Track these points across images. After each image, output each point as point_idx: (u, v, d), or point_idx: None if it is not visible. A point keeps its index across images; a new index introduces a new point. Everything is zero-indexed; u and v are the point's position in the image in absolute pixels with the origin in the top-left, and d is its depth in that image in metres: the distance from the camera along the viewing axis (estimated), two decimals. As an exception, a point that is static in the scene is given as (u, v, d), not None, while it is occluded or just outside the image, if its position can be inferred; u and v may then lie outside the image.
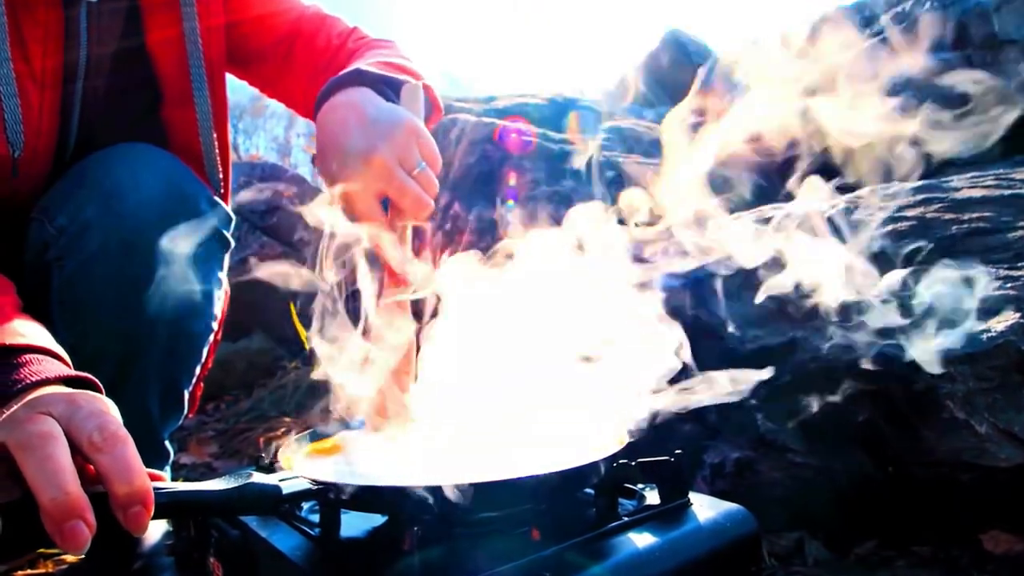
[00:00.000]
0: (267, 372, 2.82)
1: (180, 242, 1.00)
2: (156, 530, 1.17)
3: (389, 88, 0.97)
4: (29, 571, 1.26)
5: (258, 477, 0.64)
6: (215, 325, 1.15)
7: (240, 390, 2.73)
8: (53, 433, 0.54)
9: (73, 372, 0.70)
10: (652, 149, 2.51)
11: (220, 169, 1.19)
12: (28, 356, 0.70)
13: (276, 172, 3.65)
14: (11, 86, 0.95)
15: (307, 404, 2.37)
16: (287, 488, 0.65)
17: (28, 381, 0.66)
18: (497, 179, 2.12)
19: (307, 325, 2.90)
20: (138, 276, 0.98)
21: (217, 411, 2.54)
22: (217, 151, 1.17)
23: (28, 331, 0.74)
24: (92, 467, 0.54)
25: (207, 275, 1.08)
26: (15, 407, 0.60)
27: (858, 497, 1.18)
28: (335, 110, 0.94)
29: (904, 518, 1.16)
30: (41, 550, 1.27)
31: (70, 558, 1.29)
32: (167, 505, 0.56)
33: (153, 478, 0.56)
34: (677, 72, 4.24)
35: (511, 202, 2.08)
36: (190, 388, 1.17)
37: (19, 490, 0.52)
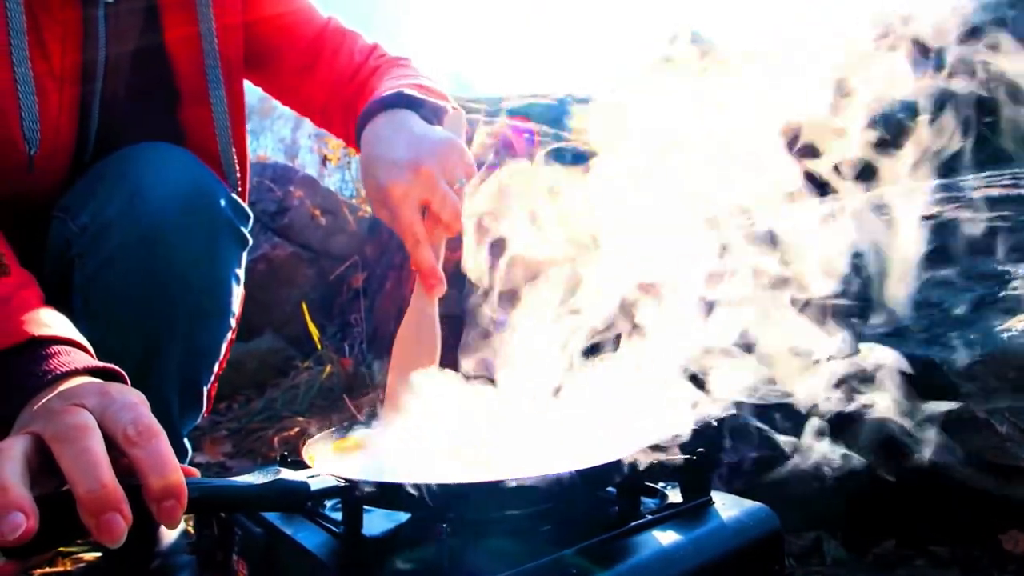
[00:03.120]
0: (279, 372, 2.83)
1: (201, 239, 1.01)
2: (174, 530, 1.17)
3: (429, 112, 1.02)
4: (48, 569, 1.27)
5: (286, 474, 0.65)
6: (233, 322, 1.16)
7: (252, 390, 2.74)
8: (89, 425, 0.55)
9: (100, 363, 0.71)
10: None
11: (237, 168, 1.20)
12: (56, 347, 0.71)
13: (287, 173, 3.66)
14: (29, 85, 0.96)
15: (320, 404, 2.38)
16: (314, 485, 0.66)
17: (58, 372, 0.67)
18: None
19: (319, 325, 2.90)
20: (159, 273, 0.99)
21: (230, 411, 2.55)
22: (234, 150, 1.18)
23: (54, 323, 0.75)
24: (125, 460, 0.55)
25: (226, 272, 1.08)
26: (47, 398, 0.61)
27: (876, 497, 1.17)
28: (382, 127, 0.99)
29: (923, 518, 1.15)
30: (60, 548, 1.28)
31: (88, 556, 1.30)
32: (198, 500, 0.57)
33: (185, 473, 0.57)
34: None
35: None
36: (208, 385, 1.18)
37: (55, 482, 0.52)
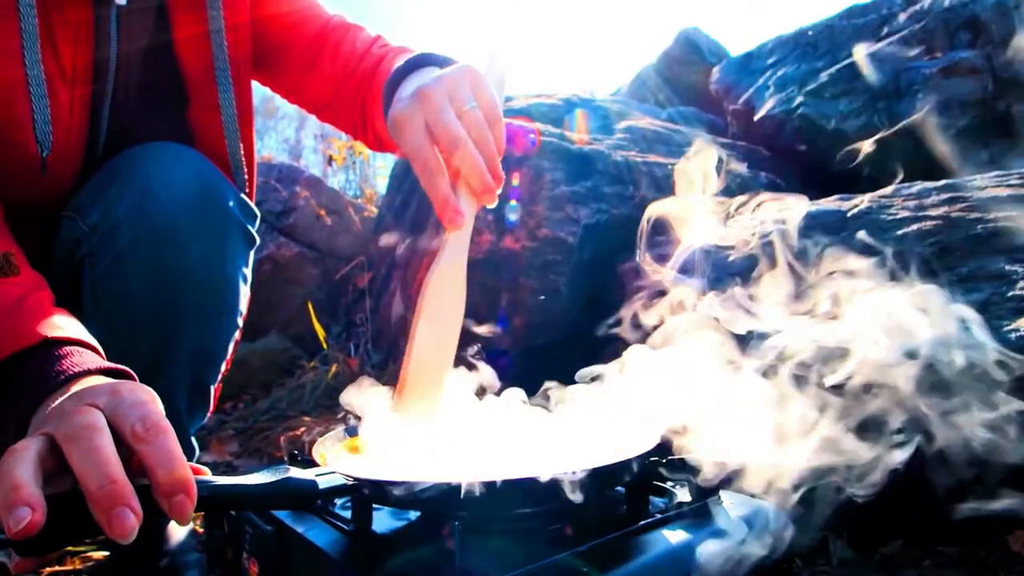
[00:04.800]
0: (284, 371, 2.83)
1: (210, 239, 1.02)
2: (182, 528, 1.18)
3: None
4: (57, 567, 1.28)
5: (295, 472, 0.65)
6: (240, 322, 1.16)
7: (257, 389, 2.74)
8: (98, 425, 0.56)
9: (110, 364, 0.71)
10: (669, 149, 2.51)
11: (245, 170, 1.20)
12: (68, 348, 0.72)
13: (292, 173, 3.67)
14: (41, 87, 0.96)
15: (325, 403, 2.38)
16: (323, 483, 0.66)
17: (70, 372, 0.68)
18: (517, 179, 2.13)
19: (324, 324, 2.91)
20: (169, 272, 0.99)
21: (235, 410, 2.56)
22: (242, 153, 1.19)
23: (65, 324, 0.76)
24: (136, 457, 0.56)
25: (235, 272, 1.09)
26: (61, 399, 0.62)
27: (883, 497, 1.17)
28: (407, 86, 0.94)
29: (930, 518, 1.15)
30: (70, 547, 1.28)
31: (97, 555, 1.31)
32: (208, 497, 0.57)
33: (195, 472, 0.57)
34: (691, 72, 4.23)
35: (514, 202, 2.10)
36: (215, 385, 1.19)
37: (70, 480, 0.53)
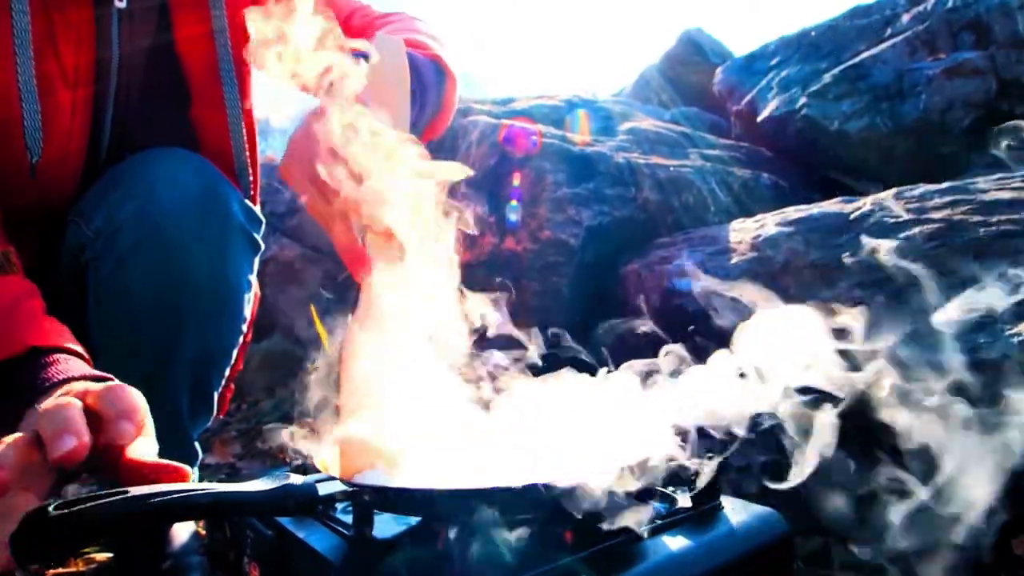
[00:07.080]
0: (287, 373, 2.83)
1: (213, 243, 1.02)
2: (185, 530, 1.18)
3: None
4: (60, 569, 1.28)
5: (294, 478, 0.65)
6: (245, 327, 1.16)
7: (261, 391, 2.75)
8: (72, 402, 0.59)
9: (95, 372, 0.73)
10: (672, 150, 2.50)
11: (250, 172, 1.20)
12: (55, 356, 0.74)
13: (295, 174, 3.66)
14: (32, 92, 0.96)
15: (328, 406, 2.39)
16: (323, 489, 0.66)
17: (56, 379, 0.70)
18: (518, 180, 2.13)
19: (328, 327, 2.91)
20: (172, 275, 0.99)
21: (238, 412, 2.56)
22: (247, 153, 1.18)
23: (54, 333, 0.78)
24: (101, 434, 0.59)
25: (238, 276, 1.08)
26: (44, 402, 0.63)
27: (885, 501, 1.17)
28: None
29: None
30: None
31: (100, 556, 1.31)
32: (209, 505, 0.57)
33: (180, 471, 0.59)
34: (694, 72, 4.23)
35: (514, 203, 2.10)
36: (220, 390, 1.18)
37: (51, 478, 0.55)
